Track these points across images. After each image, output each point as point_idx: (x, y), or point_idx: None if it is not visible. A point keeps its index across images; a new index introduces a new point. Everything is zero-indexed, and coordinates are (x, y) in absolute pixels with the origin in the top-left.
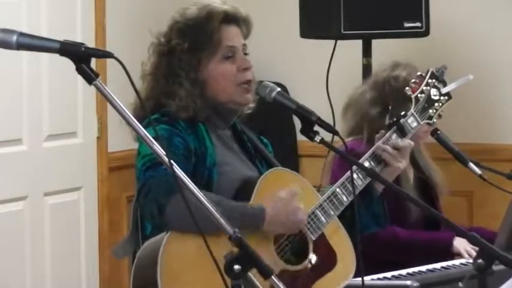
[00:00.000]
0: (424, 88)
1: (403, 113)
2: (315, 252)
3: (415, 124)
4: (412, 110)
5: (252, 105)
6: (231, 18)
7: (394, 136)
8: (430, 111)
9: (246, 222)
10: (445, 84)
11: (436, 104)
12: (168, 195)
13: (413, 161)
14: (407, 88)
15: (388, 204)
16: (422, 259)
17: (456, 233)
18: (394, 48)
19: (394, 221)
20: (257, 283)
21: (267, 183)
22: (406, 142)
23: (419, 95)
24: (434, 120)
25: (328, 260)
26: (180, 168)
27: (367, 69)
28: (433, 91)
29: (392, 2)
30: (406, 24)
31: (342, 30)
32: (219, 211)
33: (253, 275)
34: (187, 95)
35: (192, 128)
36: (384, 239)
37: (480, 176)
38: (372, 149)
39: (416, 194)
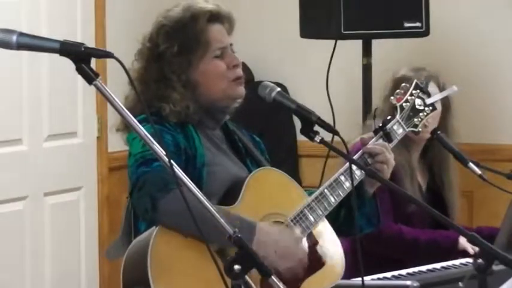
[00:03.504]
0: (409, 98)
1: (389, 118)
2: None
3: (400, 131)
4: (397, 117)
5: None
6: (216, 17)
7: (380, 142)
8: (415, 119)
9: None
10: (429, 95)
11: (421, 114)
12: (162, 190)
13: (431, 170)
14: (392, 98)
15: (394, 204)
16: (428, 257)
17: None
18: (394, 48)
19: (398, 220)
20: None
21: (254, 183)
22: (380, 144)
23: (404, 104)
24: (420, 129)
25: (317, 259)
26: None
27: (367, 69)
28: (418, 101)
29: (392, 2)
30: (406, 24)
31: (342, 30)
32: (219, 211)
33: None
34: (181, 98)
35: (180, 128)
36: (389, 237)
37: (480, 176)
38: (358, 153)
39: (426, 199)
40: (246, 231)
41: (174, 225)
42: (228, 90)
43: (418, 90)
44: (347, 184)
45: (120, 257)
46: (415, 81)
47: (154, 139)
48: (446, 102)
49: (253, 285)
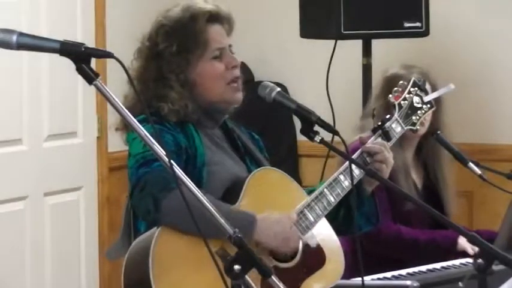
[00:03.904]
0: (407, 96)
1: (388, 116)
2: (304, 250)
3: (399, 129)
4: (396, 115)
5: (237, 105)
6: (215, 18)
7: (378, 140)
8: (413, 118)
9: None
10: (426, 93)
11: (419, 112)
12: (164, 190)
13: (426, 167)
14: (390, 96)
15: (391, 202)
16: (427, 257)
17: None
18: (394, 48)
19: (397, 219)
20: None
21: (254, 183)
22: (379, 143)
23: (402, 102)
24: (418, 127)
25: (317, 259)
26: None
27: (367, 69)
28: (416, 99)
29: (392, 2)
30: (406, 24)
31: (342, 30)
32: (219, 207)
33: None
34: (179, 97)
35: (180, 127)
36: (388, 237)
37: (480, 176)
38: (357, 152)
39: (422, 196)
40: (247, 223)
41: (176, 225)
42: (224, 94)
43: (416, 88)
44: (346, 183)
45: (121, 257)
46: (412, 79)
47: (154, 139)
48: (436, 99)
49: (253, 285)
